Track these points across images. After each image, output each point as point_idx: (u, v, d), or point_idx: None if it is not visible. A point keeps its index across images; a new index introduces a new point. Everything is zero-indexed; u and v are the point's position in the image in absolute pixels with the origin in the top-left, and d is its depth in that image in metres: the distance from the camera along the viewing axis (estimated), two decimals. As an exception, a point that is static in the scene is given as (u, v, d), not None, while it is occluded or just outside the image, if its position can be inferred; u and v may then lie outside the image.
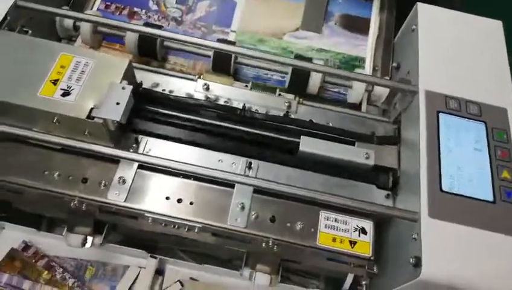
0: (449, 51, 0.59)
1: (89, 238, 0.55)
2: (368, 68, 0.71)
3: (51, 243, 0.59)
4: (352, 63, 0.72)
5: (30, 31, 0.56)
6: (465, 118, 0.53)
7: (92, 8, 0.69)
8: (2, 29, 0.53)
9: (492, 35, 0.61)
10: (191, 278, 0.59)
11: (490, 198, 0.48)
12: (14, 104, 0.48)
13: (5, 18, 0.54)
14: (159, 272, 0.59)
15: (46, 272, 0.58)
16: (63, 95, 0.49)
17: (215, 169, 0.48)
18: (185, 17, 0.71)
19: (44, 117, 0.48)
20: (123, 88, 0.50)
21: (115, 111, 0.48)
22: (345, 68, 0.70)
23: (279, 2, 0.73)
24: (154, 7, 0.72)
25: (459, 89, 0.55)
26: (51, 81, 0.49)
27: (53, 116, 0.48)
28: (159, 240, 0.60)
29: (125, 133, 0.54)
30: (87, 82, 0.50)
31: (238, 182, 0.49)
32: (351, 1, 0.77)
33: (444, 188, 0.48)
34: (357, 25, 0.75)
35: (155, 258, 0.58)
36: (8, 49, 0.51)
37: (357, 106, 0.67)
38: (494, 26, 0.62)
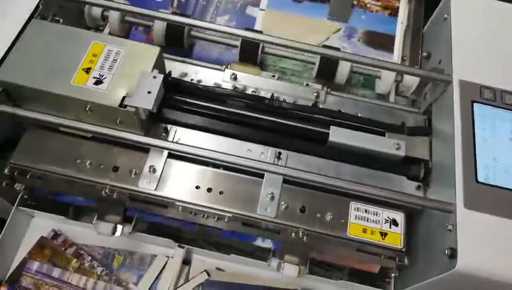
0: (483, 39, 0.57)
1: (119, 227, 0.55)
2: (396, 58, 0.70)
3: (79, 232, 0.60)
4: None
5: (61, 20, 0.56)
6: (501, 108, 0.52)
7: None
8: (35, 18, 0.53)
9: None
10: (217, 268, 0.60)
11: (527, 190, 0.47)
12: (48, 92, 0.48)
13: (37, 7, 0.54)
14: (186, 261, 0.59)
15: (75, 260, 0.59)
16: (96, 83, 0.49)
17: (245, 157, 0.48)
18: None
19: (77, 105, 0.48)
20: (154, 77, 0.50)
21: (146, 100, 0.48)
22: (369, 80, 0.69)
23: (299, 17, 0.72)
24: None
25: (494, 78, 0.54)
26: (83, 69, 0.50)
27: (86, 104, 0.48)
28: (185, 231, 0.60)
29: (155, 122, 0.54)
30: (119, 70, 0.50)
31: (268, 171, 0.49)
32: (375, 17, 0.74)
33: (479, 179, 0.47)
34: (381, 42, 0.72)
35: (183, 247, 0.58)
36: (42, 38, 0.51)
37: (384, 97, 0.66)
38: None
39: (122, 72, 0.50)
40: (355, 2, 0.71)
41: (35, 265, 0.58)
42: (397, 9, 0.67)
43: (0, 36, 0.51)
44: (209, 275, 0.59)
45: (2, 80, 0.48)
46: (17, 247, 0.59)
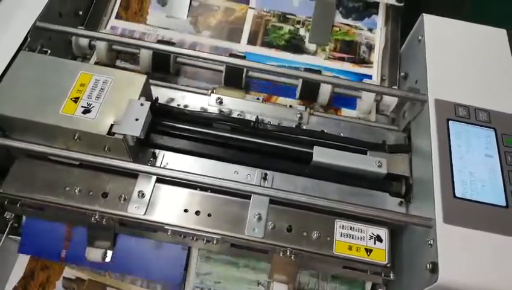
0: (456, 60, 0.60)
1: (109, 252, 0.55)
2: (375, 78, 0.73)
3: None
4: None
5: (49, 51, 0.58)
6: (475, 125, 0.55)
7: (105, 27, 0.71)
8: (23, 50, 0.55)
9: (497, 43, 0.62)
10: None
11: (503, 203, 0.49)
12: (38, 122, 0.49)
13: (25, 39, 0.55)
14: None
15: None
16: (84, 112, 0.50)
17: (232, 180, 0.49)
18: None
19: (66, 134, 0.50)
20: (141, 104, 0.51)
21: (134, 127, 0.50)
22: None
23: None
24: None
25: (468, 97, 0.57)
26: (71, 99, 0.51)
27: (74, 132, 0.50)
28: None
29: (143, 147, 0.56)
30: (107, 99, 0.52)
31: (254, 193, 0.50)
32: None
33: (457, 194, 0.49)
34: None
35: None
36: (30, 69, 0.52)
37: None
38: (499, 35, 0.63)
39: (110, 101, 0.52)
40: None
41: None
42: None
43: (-10, 68, 0.52)
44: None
45: (-9, 112, 0.49)
46: (8, 274, 0.59)
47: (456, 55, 0.60)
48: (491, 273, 0.45)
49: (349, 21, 0.78)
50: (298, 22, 0.77)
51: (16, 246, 0.60)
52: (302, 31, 0.76)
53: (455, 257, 0.45)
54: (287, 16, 0.78)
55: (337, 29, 0.77)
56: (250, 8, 0.77)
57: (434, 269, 0.45)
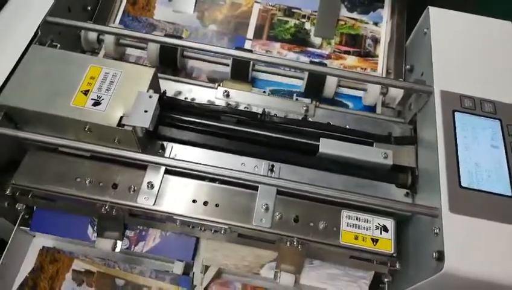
0: (462, 52, 0.60)
1: (119, 243, 0.56)
2: (381, 71, 0.73)
3: (79, 249, 0.61)
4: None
5: (59, 45, 0.59)
6: (481, 116, 0.55)
7: (114, 22, 0.72)
8: (34, 44, 0.56)
9: (502, 35, 0.62)
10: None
11: (509, 192, 0.49)
12: (49, 114, 0.50)
13: (36, 33, 0.56)
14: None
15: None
16: (94, 104, 0.51)
17: (239, 171, 0.50)
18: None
19: (77, 126, 0.51)
20: (150, 96, 0.52)
21: (143, 118, 0.51)
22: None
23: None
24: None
25: (474, 88, 0.57)
26: (82, 91, 0.52)
27: (85, 124, 0.50)
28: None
29: (152, 140, 0.56)
30: (116, 92, 0.52)
31: (262, 183, 0.51)
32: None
33: (463, 184, 0.49)
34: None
35: (181, 261, 0.59)
36: (41, 63, 0.53)
37: (372, 109, 0.69)
38: (504, 27, 0.63)
39: (119, 93, 0.52)
40: None
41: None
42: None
43: (2, 62, 0.53)
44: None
45: (4, 104, 0.50)
46: (20, 265, 0.60)
47: (461, 47, 0.61)
48: (496, 262, 0.45)
49: (354, 15, 0.79)
50: (303, 16, 0.78)
51: (27, 238, 0.61)
52: (307, 25, 0.77)
53: (461, 245, 0.46)
54: (293, 10, 0.78)
55: (343, 22, 0.78)
56: (256, 2, 0.78)
57: (440, 257, 0.45)
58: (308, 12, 0.78)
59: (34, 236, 0.62)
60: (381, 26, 0.78)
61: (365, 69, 0.74)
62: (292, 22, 0.77)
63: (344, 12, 0.79)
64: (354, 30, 0.77)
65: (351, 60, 0.75)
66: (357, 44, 0.76)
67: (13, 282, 0.59)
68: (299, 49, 0.75)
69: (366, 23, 0.78)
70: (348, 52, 0.75)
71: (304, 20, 0.77)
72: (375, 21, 0.78)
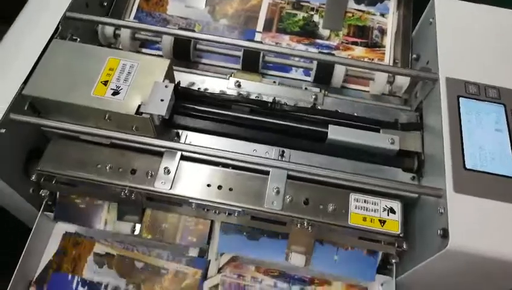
0: (466, 40, 0.62)
1: (137, 226, 0.59)
2: (388, 61, 0.75)
3: (100, 233, 0.64)
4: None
5: (78, 39, 0.62)
6: (485, 101, 0.57)
7: (129, 17, 0.75)
8: (56, 38, 0.59)
9: (506, 24, 0.64)
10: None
11: (512, 173, 0.51)
12: (71, 104, 0.53)
13: (57, 28, 0.59)
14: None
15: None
16: (113, 94, 0.54)
17: (252, 155, 0.53)
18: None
19: (98, 114, 0.53)
20: (166, 86, 0.55)
21: (160, 107, 0.53)
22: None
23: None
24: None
25: (478, 75, 0.59)
26: (101, 82, 0.55)
27: (105, 113, 0.53)
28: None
29: (167, 128, 0.59)
30: (133, 82, 0.55)
31: (273, 166, 0.53)
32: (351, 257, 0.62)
33: (467, 166, 0.51)
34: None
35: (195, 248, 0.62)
36: (63, 56, 0.56)
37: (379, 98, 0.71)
38: (508, 16, 0.65)
39: (137, 83, 0.55)
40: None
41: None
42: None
43: (26, 55, 0.56)
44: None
45: (29, 95, 0.54)
46: (43, 250, 0.63)
47: (466, 36, 0.62)
48: (499, 239, 0.47)
49: (361, 7, 0.80)
50: (312, 9, 0.80)
51: (50, 223, 0.64)
52: (316, 18, 0.79)
53: (465, 223, 0.48)
54: (301, 3, 0.80)
55: (350, 14, 0.80)
56: None
57: (445, 234, 0.47)
58: (317, 5, 0.80)
59: (57, 222, 0.65)
60: (388, 18, 0.79)
61: (372, 59, 0.75)
62: (301, 14, 0.79)
63: (351, 4, 0.81)
64: (361, 22, 0.79)
65: (359, 51, 0.77)
66: (364, 35, 0.78)
67: (38, 265, 0.62)
68: (308, 41, 0.77)
69: (373, 14, 0.80)
70: (355, 43, 0.77)
71: (312, 12, 0.79)
72: (382, 12, 0.80)
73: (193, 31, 0.69)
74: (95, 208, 0.61)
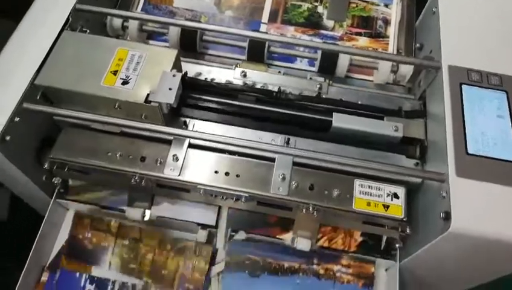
0: (469, 28, 0.63)
1: (147, 212, 0.61)
2: (392, 51, 0.75)
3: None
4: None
5: (88, 31, 0.63)
6: (487, 88, 0.58)
7: (136, 10, 0.77)
8: (66, 30, 0.60)
9: (509, 12, 0.65)
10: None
11: (514, 158, 0.52)
12: (82, 93, 0.55)
13: (67, 20, 0.61)
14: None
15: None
16: (123, 83, 0.56)
17: (258, 141, 0.54)
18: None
19: (108, 103, 0.55)
20: (174, 75, 0.56)
21: (168, 95, 0.55)
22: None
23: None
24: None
25: (481, 62, 0.59)
26: (111, 72, 0.56)
27: (115, 102, 0.55)
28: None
29: (175, 117, 0.61)
30: (142, 72, 0.57)
31: (279, 152, 0.55)
32: None
33: (469, 151, 0.52)
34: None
35: (205, 229, 0.63)
36: (73, 47, 0.58)
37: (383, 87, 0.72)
38: (510, 3, 0.65)
39: (145, 73, 0.57)
40: (322, 272, 0.61)
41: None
42: (372, 277, 0.60)
43: (37, 46, 0.58)
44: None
45: (41, 84, 0.55)
46: (56, 235, 0.65)
47: (469, 24, 0.63)
48: (501, 221, 0.48)
49: (365, -3, 0.81)
50: (316, 0, 0.81)
51: (62, 210, 0.66)
52: (320, 9, 0.80)
53: (467, 206, 0.49)
54: None
55: (354, 5, 0.80)
56: None
57: (447, 217, 0.48)
58: None
59: (68, 209, 0.67)
60: (391, 8, 0.80)
61: (376, 49, 0.76)
62: (305, 5, 0.80)
63: (355, -5, 0.81)
64: (365, 12, 0.80)
65: (363, 41, 0.77)
66: (368, 26, 0.79)
67: (51, 250, 0.64)
68: (313, 32, 0.78)
69: (377, 5, 0.81)
70: (359, 34, 0.78)
71: (316, 3, 0.80)
72: (385, 3, 0.81)
73: (199, 22, 0.70)
74: (101, 249, 0.63)
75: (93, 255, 0.62)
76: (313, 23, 0.79)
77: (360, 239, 0.63)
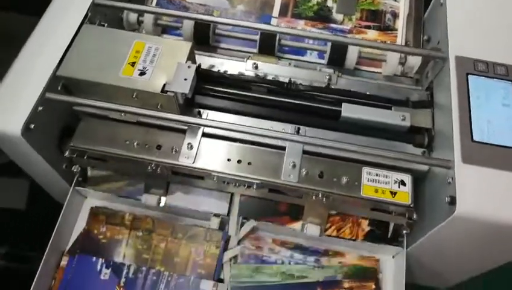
0: (476, 19, 0.64)
1: (163, 198, 0.64)
2: (400, 44, 0.77)
3: (127, 208, 0.68)
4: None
5: (106, 25, 0.66)
6: (493, 78, 0.59)
7: (151, 4, 0.79)
8: (86, 24, 0.63)
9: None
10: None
11: (519, 145, 0.53)
12: (102, 83, 0.57)
13: (86, 14, 0.64)
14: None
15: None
16: (140, 74, 0.58)
17: (269, 129, 0.56)
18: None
19: (126, 93, 0.57)
20: (188, 67, 0.59)
21: (183, 85, 0.57)
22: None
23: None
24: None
25: (487, 53, 0.61)
26: (129, 63, 0.59)
27: (133, 92, 0.57)
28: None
29: (189, 107, 0.63)
30: (158, 63, 0.59)
31: (290, 140, 0.57)
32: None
33: (475, 139, 0.54)
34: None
35: (217, 216, 0.66)
36: (93, 39, 0.61)
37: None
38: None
39: (161, 64, 0.59)
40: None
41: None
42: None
43: (59, 39, 0.61)
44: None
45: (62, 76, 0.58)
46: (74, 222, 0.68)
47: (475, 15, 0.64)
48: (504, 207, 0.50)
49: (374, -9, 0.83)
50: None
51: (80, 198, 0.69)
52: (329, 2, 0.81)
53: (472, 191, 0.50)
54: None
55: (363, -1, 0.82)
56: None
57: (452, 201, 0.50)
58: None
59: (86, 197, 0.70)
60: (400, 1, 0.81)
61: (385, 42, 0.78)
62: (315, 0, 0.82)
63: (364, -11, 0.83)
64: (374, 6, 0.81)
65: (372, 34, 0.79)
66: (377, 19, 0.80)
67: (70, 236, 0.67)
68: (322, 25, 0.80)
69: (386, -2, 0.82)
70: (368, 27, 0.80)
71: None
72: (394, -4, 0.82)
73: (212, 15, 0.72)
74: (116, 242, 0.65)
75: (107, 248, 0.65)
76: (322, 17, 0.80)
77: (367, 229, 0.65)
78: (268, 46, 0.71)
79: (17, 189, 0.91)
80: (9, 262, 0.86)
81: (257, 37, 0.71)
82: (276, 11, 0.80)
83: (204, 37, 0.72)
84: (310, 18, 0.80)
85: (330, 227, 0.64)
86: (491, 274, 0.64)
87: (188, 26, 0.71)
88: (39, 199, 0.78)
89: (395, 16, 0.80)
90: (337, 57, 0.70)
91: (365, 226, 0.65)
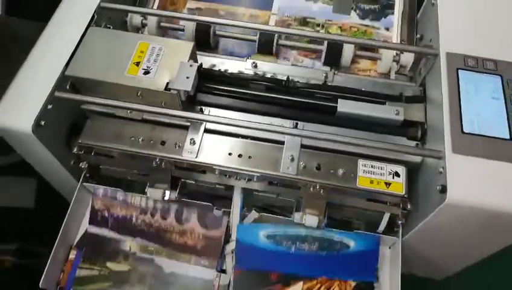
0: (466, 16, 0.66)
1: (167, 192, 0.66)
2: (395, 41, 0.80)
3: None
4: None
5: (111, 27, 0.69)
6: (483, 72, 0.61)
7: (152, 7, 0.82)
8: (92, 26, 0.66)
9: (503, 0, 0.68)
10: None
11: (507, 136, 0.56)
12: (108, 82, 0.60)
13: (93, 17, 0.67)
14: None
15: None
16: (144, 73, 0.61)
17: (269, 124, 0.59)
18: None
19: (131, 91, 0.60)
20: (191, 65, 0.61)
21: (186, 83, 0.60)
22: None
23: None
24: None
25: (477, 49, 0.63)
26: (134, 63, 0.62)
27: (137, 90, 0.60)
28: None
29: (192, 104, 0.66)
30: (162, 62, 0.62)
31: (288, 134, 0.59)
32: None
33: (465, 130, 0.56)
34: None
35: (219, 210, 0.68)
36: (99, 41, 0.64)
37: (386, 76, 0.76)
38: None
39: (165, 64, 0.62)
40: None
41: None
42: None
43: (67, 41, 0.64)
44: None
45: (70, 75, 0.61)
46: (82, 217, 0.70)
47: (465, 13, 0.67)
48: (494, 194, 0.52)
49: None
50: (318, 25, 0.83)
51: (87, 194, 0.71)
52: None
53: (462, 179, 0.53)
54: (307, 19, 0.84)
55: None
56: (272, 14, 0.83)
57: (443, 190, 0.52)
58: (322, 21, 0.82)
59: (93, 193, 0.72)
60: (394, 1, 0.84)
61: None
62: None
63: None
64: (367, 35, 0.84)
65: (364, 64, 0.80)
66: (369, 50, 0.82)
67: (78, 231, 0.70)
68: (315, 55, 0.79)
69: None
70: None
71: (318, 28, 0.82)
72: (388, -3, 0.85)
73: (213, 17, 0.75)
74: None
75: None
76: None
77: (353, 284, 0.64)
78: (267, 45, 0.74)
79: (26, 188, 0.94)
80: (20, 259, 0.89)
81: (256, 38, 0.74)
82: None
83: (205, 39, 0.75)
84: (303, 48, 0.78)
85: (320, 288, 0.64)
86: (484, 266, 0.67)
87: (189, 29, 0.74)
88: (47, 198, 0.80)
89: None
90: (334, 54, 0.73)
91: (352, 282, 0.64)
